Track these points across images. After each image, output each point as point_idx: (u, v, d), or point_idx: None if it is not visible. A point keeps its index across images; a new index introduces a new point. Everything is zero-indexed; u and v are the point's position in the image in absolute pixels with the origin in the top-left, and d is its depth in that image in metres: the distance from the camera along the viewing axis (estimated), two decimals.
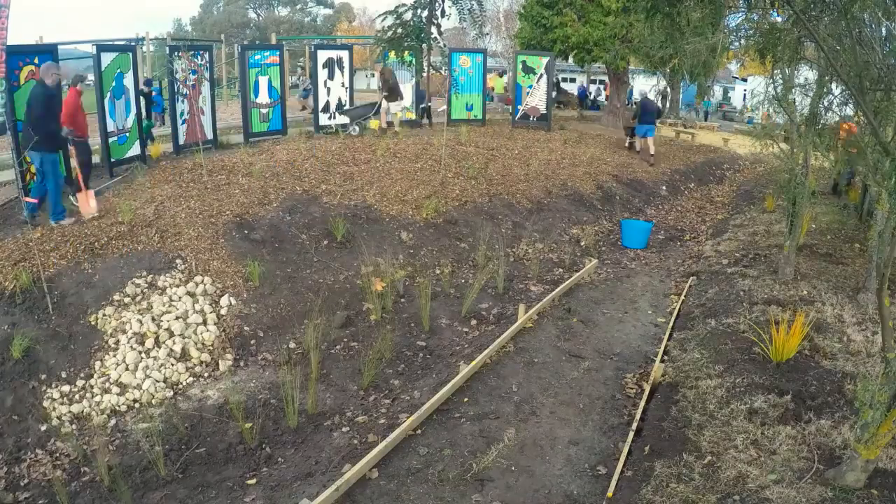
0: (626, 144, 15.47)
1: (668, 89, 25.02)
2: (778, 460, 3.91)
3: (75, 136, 7.31)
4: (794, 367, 5.08)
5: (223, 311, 6.45)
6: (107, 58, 8.62)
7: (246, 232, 7.59)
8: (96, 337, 5.85)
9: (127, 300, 6.18)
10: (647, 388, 5.25)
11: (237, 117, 13.48)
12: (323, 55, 12.64)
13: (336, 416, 5.29)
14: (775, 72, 6.73)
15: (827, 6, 3.31)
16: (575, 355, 6.03)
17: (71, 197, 7.60)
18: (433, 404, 4.93)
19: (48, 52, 7.68)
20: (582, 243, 9.90)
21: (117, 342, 5.83)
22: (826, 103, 6.26)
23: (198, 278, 6.69)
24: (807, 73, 7.44)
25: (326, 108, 12.79)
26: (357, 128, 12.63)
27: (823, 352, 5.35)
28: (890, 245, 5.53)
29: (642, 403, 5.04)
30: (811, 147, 6.73)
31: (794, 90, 7.07)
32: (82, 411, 5.27)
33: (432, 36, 9.25)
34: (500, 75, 23.50)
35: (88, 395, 5.40)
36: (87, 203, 7.24)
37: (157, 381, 5.61)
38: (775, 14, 4.36)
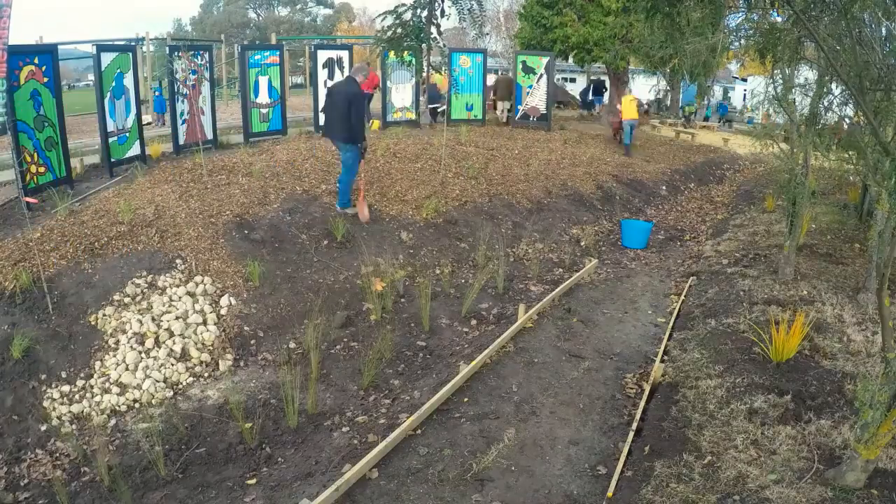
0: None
1: (669, 89, 25.05)
2: (778, 460, 3.91)
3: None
4: (794, 367, 5.08)
5: (223, 311, 6.45)
6: (107, 58, 8.62)
7: (246, 232, 7.59)
8: (96, 337, 5.85)
9: (127, 300, 6.19)
10: (647, 388, 5.25)
11: (237, 117, 13.48)
12: (323, 55, 12.64)
13: (336, 416, 5.29)
14: (775, 72, 6.73)
15: (827, 6, 3.31)
16: (575, 355, 6.03)
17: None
18: (433, 404, 4.93)
19: (48, 52, 7.69)
20: (582, 243, 9.90)
21: (117, 342, 5.83)
22: (826, 103, 6.26)
23: (198, 278, 6.69)
24: (807, 73, 7.44)
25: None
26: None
27: (823, 352, 5.35)
28: (890, 245, 5.54)
29: (642, 403, 5.04)
30: (811, 147, 6.73)
31: (794, 90, 7.07)
32: (82, 411, 5.27)
33: (432, 36, 9.24)
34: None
35: (88, 395, 5.40)
36: (363, 209, 8.42)
37: (157, 381, 5.61)
38: (775, 14, 4.36)
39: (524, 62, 15.62)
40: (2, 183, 8.56)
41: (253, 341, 6.33)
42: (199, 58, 10.33)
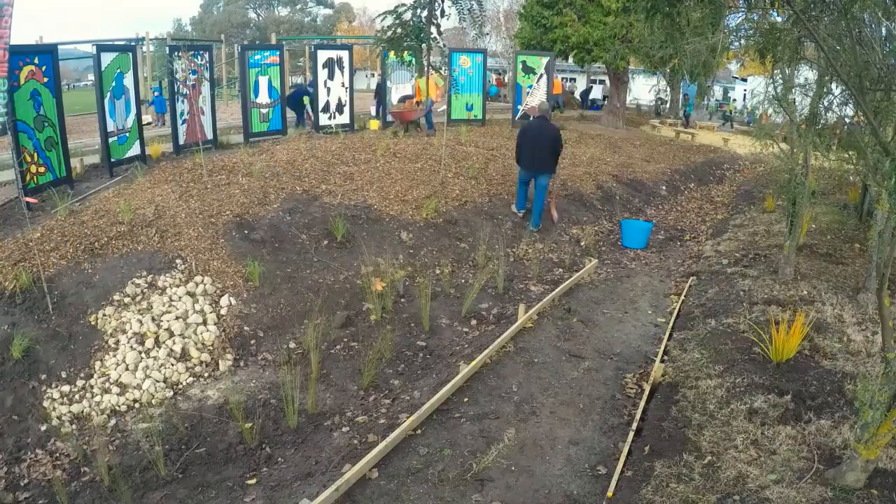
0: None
1: (669, 89, 25.05)
2: (778, 460, 3.91)
3: None
4: (794, 367, 5.08)
5: (223, 311, 6.45)
6: (107, 58, 8.63)
7: (246, 232, 7.59)
8: (96, 337, 5.85)
9: (127, 300, 6.19)
10: (647, 388, 5.25)
11: (237, 117, 13.49)
12: (323, 55, 12.65)
13: (336, 416, 5.29)
14: (775, 72, 6.73)
15: (827, 6, 3.31)
16: (575, 355, 6.03)
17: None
18: (433, 404, 4.93)
19: (48, 52, 7.69)
20: (582, 243, 9.90)
21: (117, 342, 5.83)
22: (826, 103, 6.25)
23: (198, 278, 6.69)
24: (807, 73, 7.44)
25: (326, 108, 12.79)
26: None
27: (823, 352, 5.35)
28: (890, 245, 5.54)
29: (642, 403, 5.04)
30: (811, 147, 6.73)
31: (794, 90, 7.07)
32: (82, 411, 5.27)
33: (432, 36, 9.26)
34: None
35: (88, 395, 5.40)
36: (553, 212, 9.81)
37: (157, 381, 5.61)
38: (775, 14, 4.36)
39: (524, 62, 15.63)
40: (2, 183, 8.56)
41: (253, 341, 6.33)
42: (199, 58, 10.34)
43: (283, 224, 7.95)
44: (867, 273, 6.68)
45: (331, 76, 12.62)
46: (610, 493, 3.97)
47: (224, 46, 25.66)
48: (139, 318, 6.04)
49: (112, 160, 8.91)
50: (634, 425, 4.73)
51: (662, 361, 5.73)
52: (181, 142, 10.09)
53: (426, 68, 9.63)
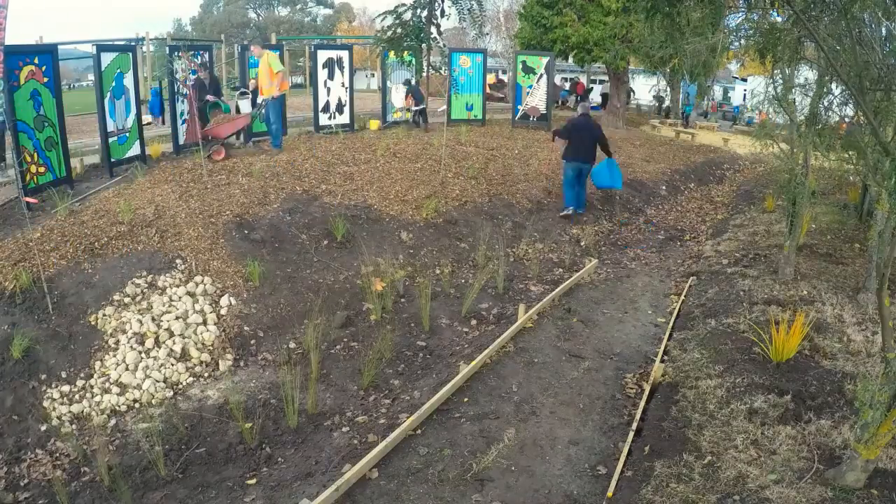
0: None
1: (669, 89, 25.03)
2: (778, 460, 3.91)
3: None
4: (794, 367, 5.08)
5: (223, 311, 6.45)
6: (107, 58, 8.62)
7: (246, 232, 7.59)
8: (96, 337, 5.85)
9: (127, 300, 6.19)
10: (647, 388, 5.25)
11: None
12: (323, 55, 12.64)
13: (336, 416, 5.30)
14: (775, 72, 6.73)
15: (827, 6, 3.31)
16: (575, 355, 6.03)
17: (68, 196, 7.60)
18: (433, 404, 4.93)
19: (48, 52, 7.69)
20: (582, 243, 9.90)
21: (117, 342, 5.83)
22: (826, 103, 6.25)
23: (198, 278, 6.69)
24: (807, 73, 7.44)
25: (326, 108, 12.79)
26: None
27: (823, 352, 5.35)
28: (890, 245, 5.53)
29: (642, 403, 5.04)
30: (811, 147, 6.73)
31: (794, 90, 7.07)
32: (82, 411, 5.27)
33: (432, 36, 9.25)
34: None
35: (88, 395, 5.40)
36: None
37: (157, 381, 5.61)
38: (775, 14, 4.36)
39: (524, 62, 15.63)
40: (2, 183, 8.56)
41: (253, 341, 6.33)
42: (199, 58, 10.33)
43: (283, 224, 7.95)
44: (867, 273, 6.68)
45: (331, 76, 12.62)
46: (610, 493, 3.97)
47: (224, 46, 25.66)
48: (139, 318, 6.04)
49: (112, 160, 8.91)
50: (634, 425, 4.73)
51: (662, 361, 5.73)
52: (181, 142, 10.09)
53: (426, 68, 9.64)
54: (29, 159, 7.32)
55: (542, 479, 4.23)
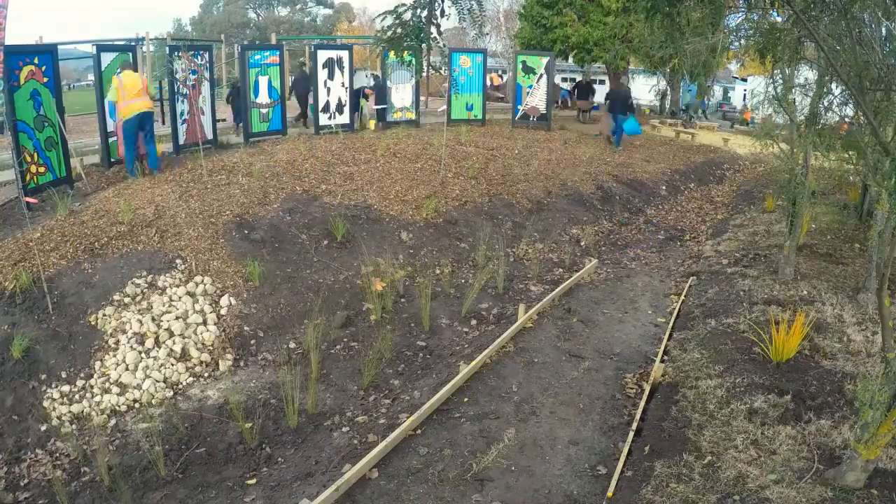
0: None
1: (669, 89, 25.00)
2: (778, 460, 3.91)
3: None
4: (794, 367, 5.08)
5: (223, 311, 6.45)
6: (107, 58, 8.63)
7: (246, 232, 7.59)
8: (96, 337, 5.85)
9: (127, 300, 6.19)
10: (647, 388, 5.25)
11: None
12: (323, 55, 12.64)
13: (336, 416, 5.30)
14: (775, 72, 6.73)
15: (827, 6, 3.30)
16: (575, 355, 6.03)
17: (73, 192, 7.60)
18: (433, 404, 4.93)
19: (48, 52, 7.69)
20: (582, 243, 9.90)
21: (117, 342, 5.83)
22: (826, 103, 6.25)
23: (198, 278, 6.69)
24: (807, 73, 7.44)
25: (326, 108, 12.79)
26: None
27: (823, 352, 5.35)
28: (890, 245, 5.53)
29: (642, 403, 5.04)
30: (811, 147, 6.73)
31: (794, 90, 7.07)
32: (82, 411, 5.27)
33: (432, 36, 9.24)
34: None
35: (88, 395, 5.40)
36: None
37: (157, 381, 5.61)
38: (775, 14, 4.35)
39: (524, 62, 15.62)
40: (2, 183, 8.56)
41: (253, 341, 6.33)
42: (199, 58, 10.33)
43: (283, 224, 7.95)
44: (867, 273, 6.68)
45: (331, 76, 12.61)
46: (610, 493, 3.97)
47: (224, 46, 25.64)
48: (139, 318, 6.04)
49: (112, 160, 8.91)
50: (634, 425, 4.73)
51: (662, 361, 5.73)
52: (181, 142, 10.09)
53: (426, 68, 9.63)
54: (29, 159, 7.31)
55: (542, 479, 4.23)
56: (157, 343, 5.92)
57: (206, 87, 10.49)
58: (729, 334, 5.91)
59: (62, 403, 5.28)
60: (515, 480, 4.19)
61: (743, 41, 5.17)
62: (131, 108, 8.27)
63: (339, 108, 12.91)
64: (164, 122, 14.41)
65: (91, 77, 12.24)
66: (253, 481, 4.51)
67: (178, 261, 6.80)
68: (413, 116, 14.43)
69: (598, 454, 4.51)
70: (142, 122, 8.39)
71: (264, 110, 11.67)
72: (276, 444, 5.00)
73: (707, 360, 5.44)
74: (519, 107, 15.79)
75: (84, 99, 21.38)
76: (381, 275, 7.62)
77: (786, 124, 7.54)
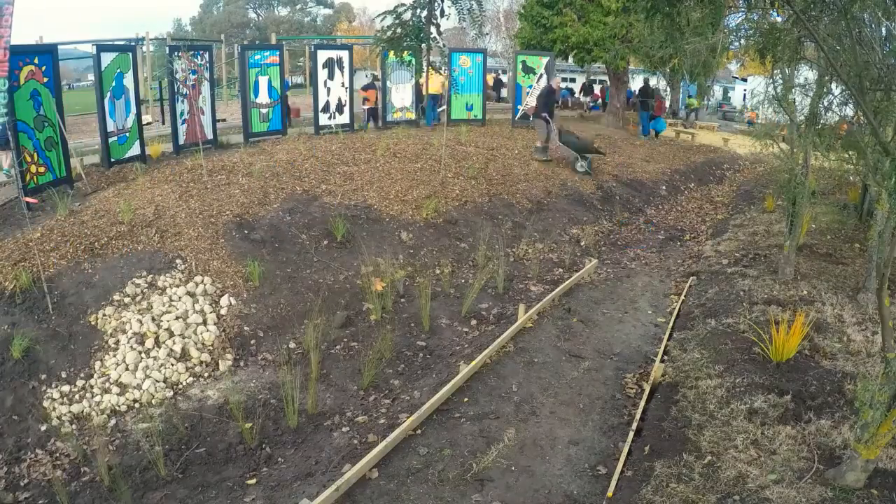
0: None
1: (669, 89, 24.98)
2: (778, 460, 3.91)
3: None
4: (794, 367, 5.08)
5: (223, 311, 6.45)
6: (107, 58, 8.62)
7: (246, 232, 7.59)
8: (96, 337, 5.85)
9: (127, 300, 6.19)
10: (647, 388, 5.25)
11: (237, 117, 13.47)
12: (323, 55, 12.64)
13: (336, 416, 5.30)
14: (775, 72, 6.73)
15: (827, 6, 3.31)
16: (575, 355, 6.03)
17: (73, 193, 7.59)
18: (433, 404, 4.93)
19: (48, 52, 7.69)
20: (582, 243, 9.90)
21: (117, 342, 5.83)
22: (826, 103, 6.25)
23: (198, 278, 6.69)
24: (807, 73, 7.44)
25: (326, 108, 12.79)
26: (584, 164, 12.42)
27: (823, 352, 5.35)
28: (890, 245, 5.53)
29: (642, 403, 5.04)
30: (811, 147, 6.73)
31: (794, 90, 7.07)
32: (82, 411, 5.27)
33: (431, 36, 9.23)
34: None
35: (88, 395, 5.40)
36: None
37: (157, 381, 5.61)
38: (775, 14, 4.36)
39: (524, 62, 15.62)
40: (2, 183, 8.56)
41: (253, 341, 6.33)
42: (199, 58, 10.33)
43: (283, 224, 7.95)
44: (867, 273, 6.68)
45: (331, 76, 12.61)
46: (610, 493, 3.97)
47: (224, 46, 25.64)
48: (139, 318, 6.04)
49: (112, 160, 8.91)
50: (634, 425, 4.73)
51: (662, 361, 5.73)
52: (181, 142, 10.09)
53: (426, 68, 9.63)
54: (29, 159, 7.31)
55: (542, 479, 4.23)
56: (157, 343, 5.92)
57: (206, 87, 10.49)
58: (729, 334, 5.91)
59: (62, 403, 5.28)
60: (515, 480, 4.19)
61: (743, 41, 5.17)
62: None
63: (339, 108, 12.91)
64: (164, 122, 14.44)
65: (91, 77, 12.21)
66: (253, 481, 4.51)
67: (178, 261, 6.80)
68: (413, 116, 14.43)
69: (598, 454, 4.52)
70: None
71: (264, 110, 11.67)
72: (276, 444, 5.00)
73: (707, 360, 5.44)
74: (519, 107, 15.79)
75: (84, 99, 21.38)
76: (381, 275, 7.62)
77: (785, 124, 7.54)
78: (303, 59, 34.92)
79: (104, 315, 5.99)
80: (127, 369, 5.61)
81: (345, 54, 12.92)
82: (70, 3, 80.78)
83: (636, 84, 26.37)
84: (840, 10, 3.19)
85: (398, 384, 5.81)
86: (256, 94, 11.45)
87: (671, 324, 6.72)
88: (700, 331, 6.20)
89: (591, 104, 24.87)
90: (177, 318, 6.16)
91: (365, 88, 14.29)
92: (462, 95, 14.99)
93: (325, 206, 8.59)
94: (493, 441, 4.56)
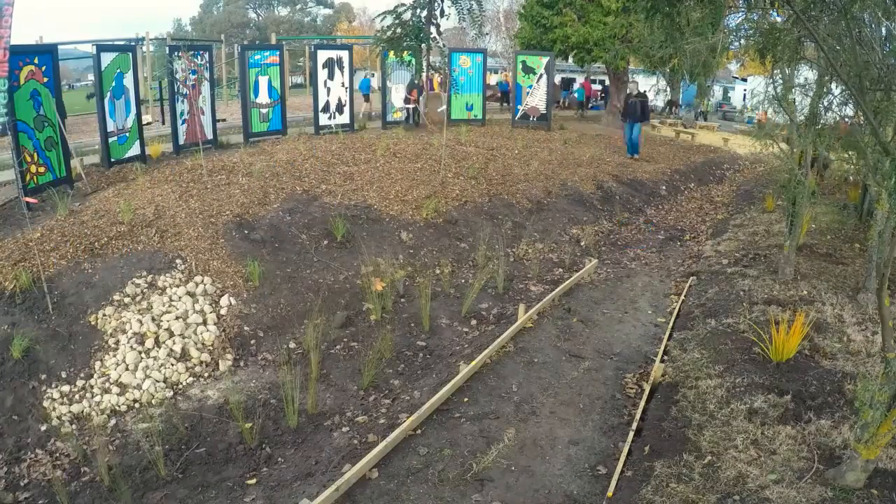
0: None
1: (669, 89, 24.98)
2: (778, 460, 3.91)
3: None
4: (794, 367, 5.08)
5: (223, 311, 6.45)
6: (107, 58, 8.63)
7: (246, 232, 7.59)
8: (96, 337, 5.85)
9: (127, 300, 6.19)
10: (647, 388, 5.25)
11: (237, 117, 13.48)
12: (323, 55, 12.64)
13: (336, 416, 5.30)
14: (775, 72, 6.73)
15: (827, 6, 3.31)
16: (575, 355, 6.03)
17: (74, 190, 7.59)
18: (433, 404, 4.93)
19: (48, 52, 7.69)
20: (582, 243, 9.90)
21: (117, 342, 5.83)
22: (826, 103, 6.25)
23: (198, 278, 6.69)
24: (807, 73, 7.44)
25: (326, 108, 12.79)
26: None
27: (823, 352, 5.35)
28: (890, 245, 5.53)
29: (642, 403, 5.04)
30: (811, 147, 6.73)
31: (794, 90, 7.07)
32: (82, 411, 5.27)
33: (431, 36, 9.25)
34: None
35: (88, 395, 5.40)
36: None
37: (157, 381, 5.61)
38: (775, 14, 4.36)
39: (524, 62, 15.63)
40: (2, 183, 8.56)
41: (253, 341, 6.33)
42: (199, 58, 10.33)
43: (283, 224, 7.95)
44: (867, 273, 6.68)
45: (331, 76, 12.62)
46: (610, 493, 3.97)
47: (224, 46, 25.64)
48: (139, 318, 6.04)
49: (112, 160, 8.92)
50: (634, 425, 4.73)
51: (662, 361, 5.73)
52: (181, 142, 10.09)
53: (426, 68, 9.64)
54: (29, 159, 7.31)
55: (542, 479, 4.23)
56: (157, 343, 5.92)
57: (206, 87, 10.49)
58: (729, 334, 5.91)
59: (62, 403, 5.28)
60: (515, 480, 4.19)
61: (743, 41, 5.17)
62: None
63: (339, 108, 12.91)
64: (164, 122, 14.43)
65: (91, 77, 12.22)
66: (253, 481, 4.51)
67: (178, 261, 6.80)
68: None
69: (598, 454, 4.52)
70: None
71: (264, 110, 11.67)
72: (276, 444, 5.00)
73: (707, 360, 5.44)
74: (519, 107, 15.79)
75: (84, 99, 21.39)
76: (381, 275, 7.62)
77: (785, 124, 7.54)
78: (303, 59, 34.93)
79: (104, 315, 5.99)
80: (127, 369, 5.61)
81: (345, 54, 12.93)
82: (70, 3, 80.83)
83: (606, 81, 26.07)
84: (840, 10, 3.19)
85: (398, 384, 5.81)
86: (256, 94, 11.46)
87: (671, 324, 6.72)
88: (700, 331, 6.20)
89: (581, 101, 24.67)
90: (177, 318, 6.16)
91: (409, 88, 14.28)
92: (462, 95, 15.00)
93: (325, 206, 8.59)
94: (493, 441, 4.56)
